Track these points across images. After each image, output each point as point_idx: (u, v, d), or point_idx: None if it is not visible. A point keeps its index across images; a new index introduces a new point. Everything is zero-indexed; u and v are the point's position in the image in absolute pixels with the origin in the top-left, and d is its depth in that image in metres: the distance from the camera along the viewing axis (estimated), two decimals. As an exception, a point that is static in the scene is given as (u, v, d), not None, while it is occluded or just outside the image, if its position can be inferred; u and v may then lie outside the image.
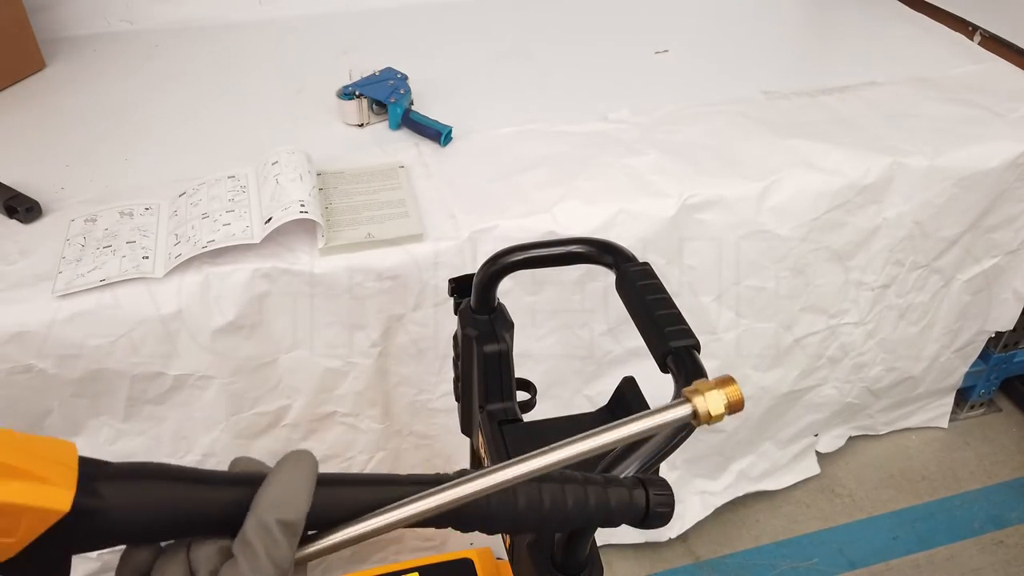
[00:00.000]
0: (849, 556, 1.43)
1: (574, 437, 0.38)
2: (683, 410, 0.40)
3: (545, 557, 0.53)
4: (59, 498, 0.30)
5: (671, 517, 0.45)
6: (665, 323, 0.54)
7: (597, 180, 1.09)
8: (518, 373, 0.70)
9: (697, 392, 0.40)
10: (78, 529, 0.31)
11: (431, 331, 1.05)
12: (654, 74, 1.40)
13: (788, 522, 1.48)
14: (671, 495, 0.44)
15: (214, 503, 0.34)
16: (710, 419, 0.40)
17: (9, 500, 0.29)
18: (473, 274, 0.68)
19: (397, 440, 1.15)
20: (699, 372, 0.50)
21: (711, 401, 0.40)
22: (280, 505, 0.33)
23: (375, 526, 0.36)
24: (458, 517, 0.39)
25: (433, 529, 1.33)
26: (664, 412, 0.40)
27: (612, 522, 0.44)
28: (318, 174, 1.06)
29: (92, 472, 0.32)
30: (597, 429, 0.39)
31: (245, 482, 0.35)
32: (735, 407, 0.40)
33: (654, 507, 0.44)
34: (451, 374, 0.76)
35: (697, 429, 0.47)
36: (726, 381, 0.41)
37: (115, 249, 0.93)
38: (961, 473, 1.58)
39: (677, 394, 0.48)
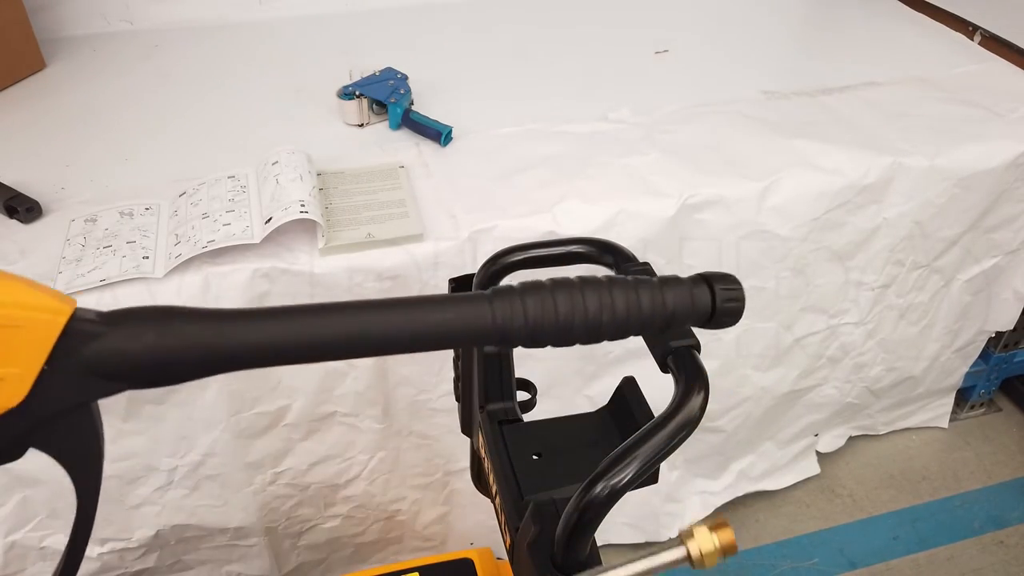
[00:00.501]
0: (849, 556, 1.43)
1: None
2: (677, 553, 0.43)
3: (545, 557, 0.53)
4: (56, 310, 0.30)
5: (742, 313, 0.41)
6: (665, 323, 0.54)
7: (597, 180, 1.09)
8: (518, 373, 0.70)
9: (691, 536, 0.43)
10: (86, 359, 0.31)
11: (431, 331, 1.05)
12: (654, 74, 1.40)
13: (788, 522, 1.48)
14: (739, 288, 0.41)
15: (220, 338, 0.33)
16: (703, 562, 0.42)
17: (7, 311, 0.29)
18: (473, 274, 0.68)
19: (397, 440, 1.15)
20: (699, 372, 0.50)
21: (703, 544, 0.43)
22: None
23: None
24: (505, 338, 0.38)
25: (433, 529, 1.32)
26: (660, 555, 0.42)
27: (673, 324, 0.41)
28: (318, 174, 1.06)
29: (88, 309, 0.32)
30: (595, 571, 0.42)
31: (246, 314, 0.34)
32: (728, 551, 0.43)
33: (721, 303, 0.40)
34: (451, 374, 0.76)
35: (697, 429, 0.47)
36: (719, 525, 0.43)
37: (115, 249, 0.93)
38: (961, 473, 1.58)
39: (677, 395, 0.48)
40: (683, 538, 0.43)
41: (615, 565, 0.42)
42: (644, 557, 0.42)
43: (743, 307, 0.40)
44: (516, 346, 0.38)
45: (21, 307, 0.29)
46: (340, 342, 0.34)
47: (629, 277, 0.40)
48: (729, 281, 0.41)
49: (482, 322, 0.36)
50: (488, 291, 0.37)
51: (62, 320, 0.30)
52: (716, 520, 0.44)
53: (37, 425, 0.31)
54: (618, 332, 0.38)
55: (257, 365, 0.34)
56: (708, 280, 0.40)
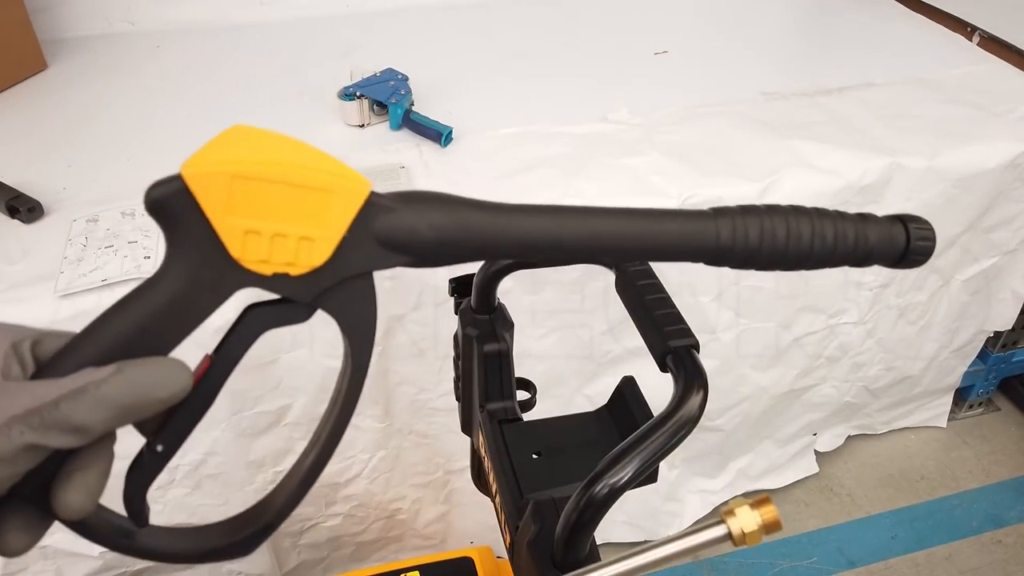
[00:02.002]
0: (848, 555, 1.44)
1: (607, 560, 0.41)
2: (718, 531, 0.42)
3: (545, 555, 0.53)
4: (363, 181, 0.32)
5: (932, 252, 0.42)
6: (664, 322, 0.54)
7: (597, 180, 1.09)
8: (518, 373, 0.70)
9: (731, 513, 0.42)
10: (379, 230, 0.33)
11: (431, 331, 1.05)
12: (654, 74, 1.40)
13: (787, 521, 1.49)
14: (931, 228, 0.42)
15: (492, 226, 0.35)
16: (744, 540, 0.41)
17: (320, 179, 0.31)
18: (473, 274, 0.68)
19: (398, 439, 1.16)
20: (698, 371, 0.51)
21: (745, 523, 0.41)
22: None
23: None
24: (729, 258, 0.39)
25: (433, 528, 1.31)
26: (700, 533, 0.42)
27: (869, 259, 0.42)
28: (319, 174, 1.06)
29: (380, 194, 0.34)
30: (635, 550, 0.41)
31: (514, 208, 0.35)
32: (771, 528, 0.42)
33: (915, 241, 0.41)
34: (451, 374, 0.76)
35: (696, 428, 0.48)
36: (761, 501, 0.42)
37: (116, 249, 0.94)
38: (959, 472, 1.58)
39: (676, 394, 0.49)
40: (724, 516, 0.41)
41: (655, 544, 0.41)
42: (684, 536, 0.41)
43: (934, 246, 0.42)
44: (726, 266, 0.39)
45: (337, 175, 0.32)
46: (584, 243, 0.36)
47: (833, 211, 0.41)
48: (920, 221, 0.42)
49: (706, 239, 0.37)
50: (710, 210, 0.38)
51: (367, 190, 0.32)
52: (758, 497, 0.42)
53: (330, 288, 0.34)
54: (824, 261, 0.39)
55: (515, 256, 0.37)
56: (902, 219, 0.42)
